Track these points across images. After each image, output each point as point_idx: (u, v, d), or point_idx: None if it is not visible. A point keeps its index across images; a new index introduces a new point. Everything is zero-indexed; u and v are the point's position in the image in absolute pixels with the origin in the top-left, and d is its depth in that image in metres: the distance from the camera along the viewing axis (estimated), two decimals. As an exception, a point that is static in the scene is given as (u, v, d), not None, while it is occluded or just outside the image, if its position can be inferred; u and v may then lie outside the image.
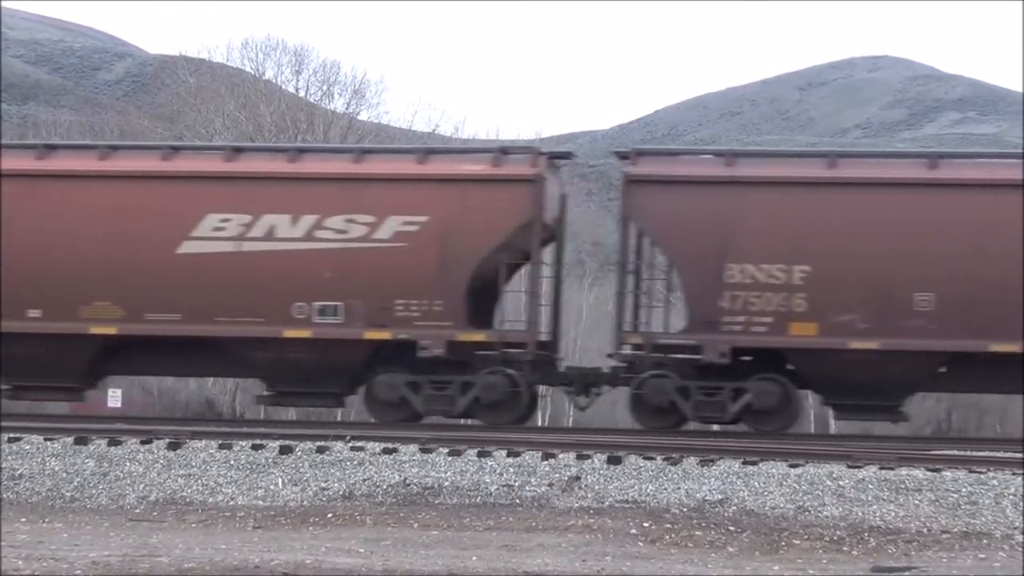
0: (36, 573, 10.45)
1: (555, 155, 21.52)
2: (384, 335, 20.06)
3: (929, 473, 14.95)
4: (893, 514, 13.92)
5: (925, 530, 13.46)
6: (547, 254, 22.02)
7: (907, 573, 11.25)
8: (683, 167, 20.57)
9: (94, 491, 15.54)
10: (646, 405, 19.81)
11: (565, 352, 25.85)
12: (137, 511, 14.80)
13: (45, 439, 16.92)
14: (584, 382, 20.72)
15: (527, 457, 15.88)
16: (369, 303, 20.06)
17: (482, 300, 20.56)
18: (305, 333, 20.15)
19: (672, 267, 20.76)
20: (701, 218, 19.75)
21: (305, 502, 14.96)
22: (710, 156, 21.28)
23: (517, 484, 15.14)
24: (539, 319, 20.95)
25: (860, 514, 13.96)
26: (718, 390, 19.61)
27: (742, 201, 19.80)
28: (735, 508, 14.24)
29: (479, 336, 20.05)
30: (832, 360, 19.44)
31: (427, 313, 19.93)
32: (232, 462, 16.05)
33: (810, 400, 44.19)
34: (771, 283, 19.46)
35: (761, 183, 19.86)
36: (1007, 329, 19.04)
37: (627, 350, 20.23)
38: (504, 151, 20.94)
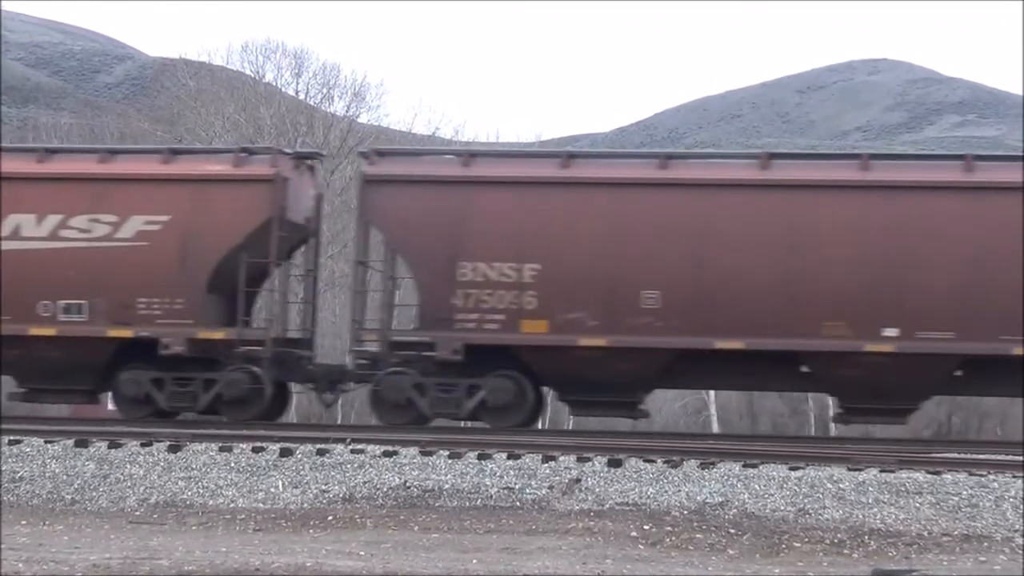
0: (37, 575, 10.46)
1: (302, 155, 22.06)
2: (127, 333, 20.44)
3: (930, 476, 14.94)
4: (894, 517, 13.92)
5: (926, 533, 13.47)
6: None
7: (908, 576, 11.26)
8: (419, 167, 20.83)
9: (94, 494, 15.53)
10: (385, 402, 20.11)
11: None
12: (137, 513, 14.79)
13: (45, 442, 16.92)
14: (330, 379, 21.10)
15: (527, 460, 15.87)
16: (112, 301, 20.44)
17: (233, 298, 20.78)
18: (50, 331, 20.53)
19: (408, 266, 20.93)
20: (435, 217, 20.07)
21: (305, 505, 14.96)
22: (451, 156, 21.47)
23: (517, 487, 15.14)
24: (281, 317, 21.34)
25: (861, 517, 13.95)
26: (454, 387, 19.90)
27: (475, 200, 20.09)
28: (735, 511, 14.24)
29: (219, 334, 20.42)
30: (563, 357, 19.73)
31: (168, 311, 20.37)
32: (232, 465, 16.05)
33: (809, 403, 44.28)
34: (502, 281, 19.77)
35: (493, 183, 20.14)
36: (732, 327, 19.31)
37: (372, 347, 20.55)
38: (247, 152, 21.50)
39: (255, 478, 15.65)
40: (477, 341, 19.74)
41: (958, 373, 19.66)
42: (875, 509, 14.10)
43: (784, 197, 19.53)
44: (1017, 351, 18.85)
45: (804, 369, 19.95)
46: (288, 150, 22.02)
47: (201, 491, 15.42)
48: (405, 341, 20.28)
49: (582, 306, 19.56)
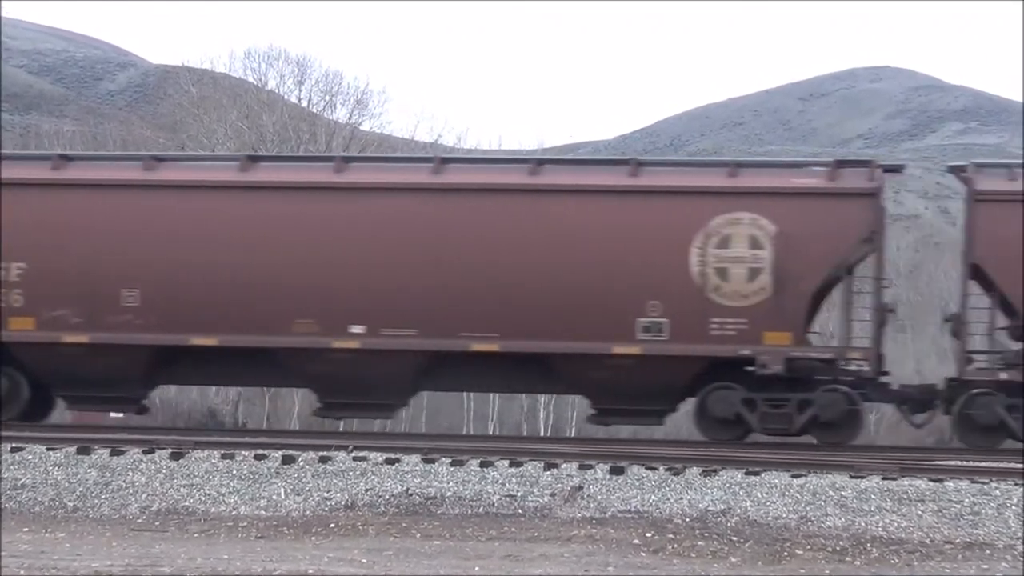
0: (39, 583, 10.46)
1: None
2: None
3: (932, 483, 14.96)
4: (896, 524, 13.92)
5: (928, 540, 13.47)
6: None
7: (909, 583, 11.25)
8: None
9: (96, 501, 15.53)
10: None
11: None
12: (139, 521, 14.79)
13: (47, 449, 16.92)
14: None
15: (529, 467, 15.89)
16: None
17: None
18: None
19: None
20: None
21: (307, 512, 14.96)
22: None
23: (520, 494, 15.14)
24: None
25: (863, 524, 13.95)
26: None
27: None
28: (738, 518, 14.24)
29: None
30: (51, 353, 20.30)
31: None
32: (235, 472, 16.04)
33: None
34: None
35: None
36: (208, 324, 19.90)
37: None
38: None
39: (257, 485, 15.65)
40: None
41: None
42: (877, 517, 14.10)
43: (254, 199, 20.14)
44: (475, 347, 19.61)
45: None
46: None
47: (203, 498, 15.42)
48: None
49: (66, 304, 20.21)
